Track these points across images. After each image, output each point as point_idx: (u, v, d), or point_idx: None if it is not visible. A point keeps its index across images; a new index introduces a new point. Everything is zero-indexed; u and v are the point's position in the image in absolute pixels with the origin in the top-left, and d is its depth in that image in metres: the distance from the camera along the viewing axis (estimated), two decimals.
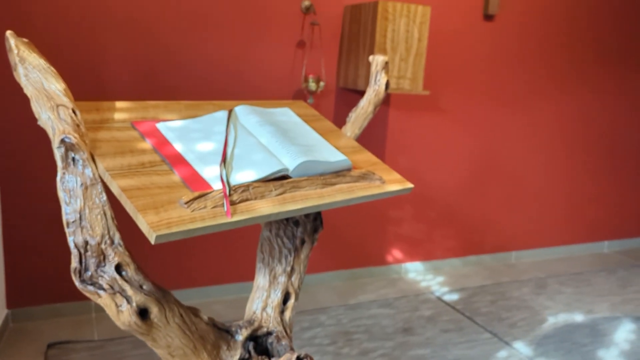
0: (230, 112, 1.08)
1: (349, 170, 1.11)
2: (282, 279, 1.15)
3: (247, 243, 2.80)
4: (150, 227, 0.74)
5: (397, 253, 3.22)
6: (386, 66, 1.30)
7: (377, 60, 1.30)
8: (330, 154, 1.08)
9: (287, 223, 1.18)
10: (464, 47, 3.16)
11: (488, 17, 3.19)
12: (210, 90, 2.59)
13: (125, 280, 0.82)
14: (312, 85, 2.64)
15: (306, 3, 2.67)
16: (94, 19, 2.34)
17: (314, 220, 1.19)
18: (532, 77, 3.38)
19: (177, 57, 2.50)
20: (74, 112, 0.82)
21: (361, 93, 2.89)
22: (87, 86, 2.38)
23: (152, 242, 0.74)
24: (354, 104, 2.90)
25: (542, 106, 3.44)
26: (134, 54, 2.42)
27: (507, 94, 3.33)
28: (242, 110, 1.09)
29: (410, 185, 1.21)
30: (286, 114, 1.19)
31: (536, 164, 3.52)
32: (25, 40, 0.85)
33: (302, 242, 1.18)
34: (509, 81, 3.32)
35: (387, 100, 3.00)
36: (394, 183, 1.18)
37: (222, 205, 0.84)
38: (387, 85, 1.30)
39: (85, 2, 2.31)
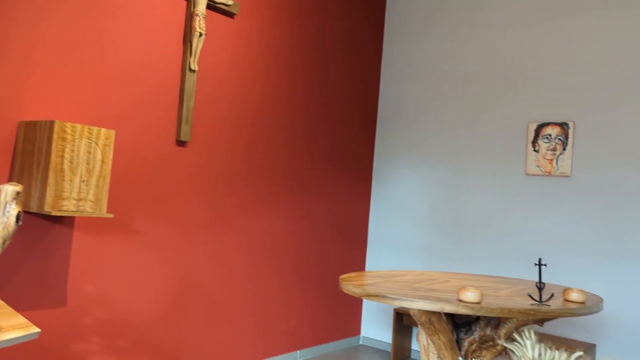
0: None
1: None
2: None
3: None
4: None
5: None
6: (18, 196, 1.20)
7: (6, 190, 1.19)
8: None
9: None
10: (157, 171, 3.22)
11: (180, 143, 3.35)
12: None
13: None
14: None
15: None
16: None
17: None
18: (226, 200, 3.61)
19: None
20: None
21: (34, 215, 2.62)
22: None
23: None
24: (25, 225, 2.61)
25: (235, 227, 3.68)
26: None
27: (202, 217, 3.47)
28: None
29: (36, 330, 1.08)
30: None
31: (231, 284, 3.67)
32: None
33: None
34: (204, 203, 3.47)
35: (70, 223, 2.79)
36: (15, 330, 1.04)
37: None
38: (19, 216, 1.19)
39: None
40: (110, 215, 2.58)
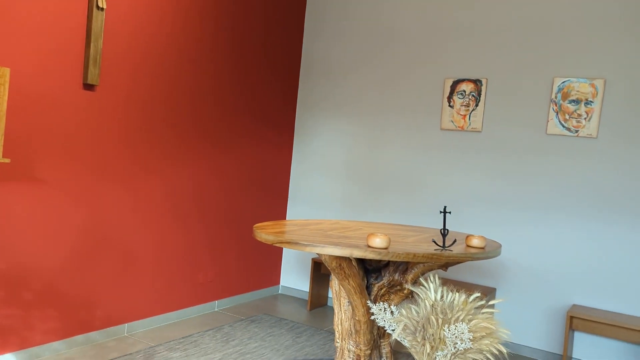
0: None
1: None
2: None
3: None
4: None
5: None
6: None
7: None
8: None
9: None
10: (63, 116, 3.02)
11: (88, 87, 3.15)
12: None
13: None
14: None
15: None
16: None
17: None
18: (138, 149, 3.47)
19: None
20: None
21: None
22: None
23: None
24: None
25: (148, 177, 3.56)
26: None
27: (114, 165, 3.32)
28: None
29: None
30: None
31: (147, 234, 3.58)
32: None
33: None
34: (115, 151, 3.32)
35: None
36: None
37: None
38: None
39: None
40: (7, 160, 2.41)
